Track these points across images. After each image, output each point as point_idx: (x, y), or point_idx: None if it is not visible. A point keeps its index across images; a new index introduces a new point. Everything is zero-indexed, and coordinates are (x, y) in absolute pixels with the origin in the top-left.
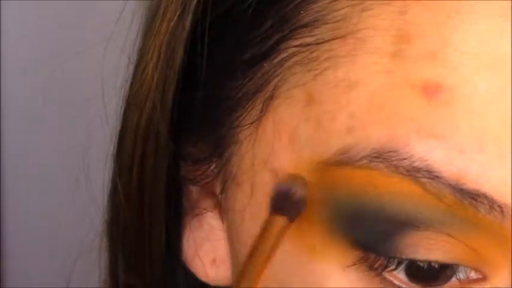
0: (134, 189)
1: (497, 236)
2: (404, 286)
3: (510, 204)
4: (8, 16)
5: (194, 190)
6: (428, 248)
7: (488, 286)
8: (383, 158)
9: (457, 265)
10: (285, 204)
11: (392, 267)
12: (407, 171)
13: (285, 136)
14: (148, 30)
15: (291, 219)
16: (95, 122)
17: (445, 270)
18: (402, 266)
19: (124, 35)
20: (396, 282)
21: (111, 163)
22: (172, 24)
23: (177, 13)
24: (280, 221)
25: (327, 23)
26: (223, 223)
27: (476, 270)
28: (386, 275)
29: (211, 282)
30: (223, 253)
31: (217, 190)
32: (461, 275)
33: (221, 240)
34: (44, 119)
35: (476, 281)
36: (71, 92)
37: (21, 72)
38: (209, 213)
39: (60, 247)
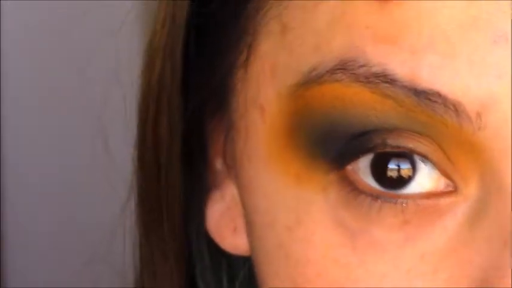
0: (150, 152)
1: (461, 141)
2: (375, 194)
3: (463, 102)
4: (8, 16)
5: (217, 162)
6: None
7: (459, 198)
8: (343, 68)
9: (429, 160)
10: None
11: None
12: (366, 78)
13: (267, 69)
14: None
15: None
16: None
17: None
18: (370, 172)
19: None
20: (368, 191)
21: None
22: None
23: None
24: None
25: None
26: (234, 183)
27: (447, 176)
28: (359, 186)
29: (233, 251)
30: (242, 221)
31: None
32: (429, 184)
33: (239, 207)
34: (46, 119)
35: (447, 193)
36: (73, 92)
37: (21, 71)
38: (229, 182)
39: (62, 249)
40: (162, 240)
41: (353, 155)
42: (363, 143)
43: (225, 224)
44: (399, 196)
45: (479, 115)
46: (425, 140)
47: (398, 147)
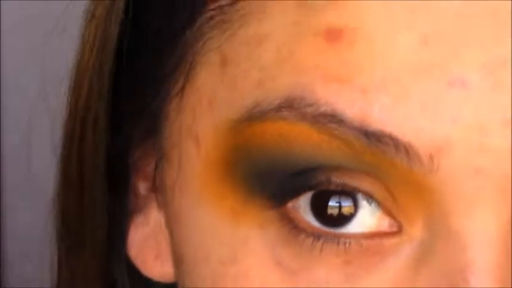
0: (74, 172)
1: (409, 182)
2: (316, 233)
3: (415, 145)
4: (8, 16)
5: (141, 186)
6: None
7: (403, 239)
8: (289, 106)
9: (373, 199)
10: None
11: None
12: (313, 117)
13: (205, 101)
14: (90, 15)
15: None
16: None
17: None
18: (310, 209)
19: None
20: (309, 230)
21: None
22: (107, 5)
23: None
24: None
25: None
26: (160, 211)
27: (391, 216)
28: (299, 224)
29: (156, 278)
30: (167, 248)
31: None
32: (371, 222)
33: (164, 233)
34: (45, 120)
35: (391, 234)
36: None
37: (21, 73)
38: (153, 208)
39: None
40: (82, 263)
41: (295, 192)
42: (306, 180)
43: (147, 250)
44: (341, 235)
45: (431, 158)
46: (370, 178)
47: (343, 185)
